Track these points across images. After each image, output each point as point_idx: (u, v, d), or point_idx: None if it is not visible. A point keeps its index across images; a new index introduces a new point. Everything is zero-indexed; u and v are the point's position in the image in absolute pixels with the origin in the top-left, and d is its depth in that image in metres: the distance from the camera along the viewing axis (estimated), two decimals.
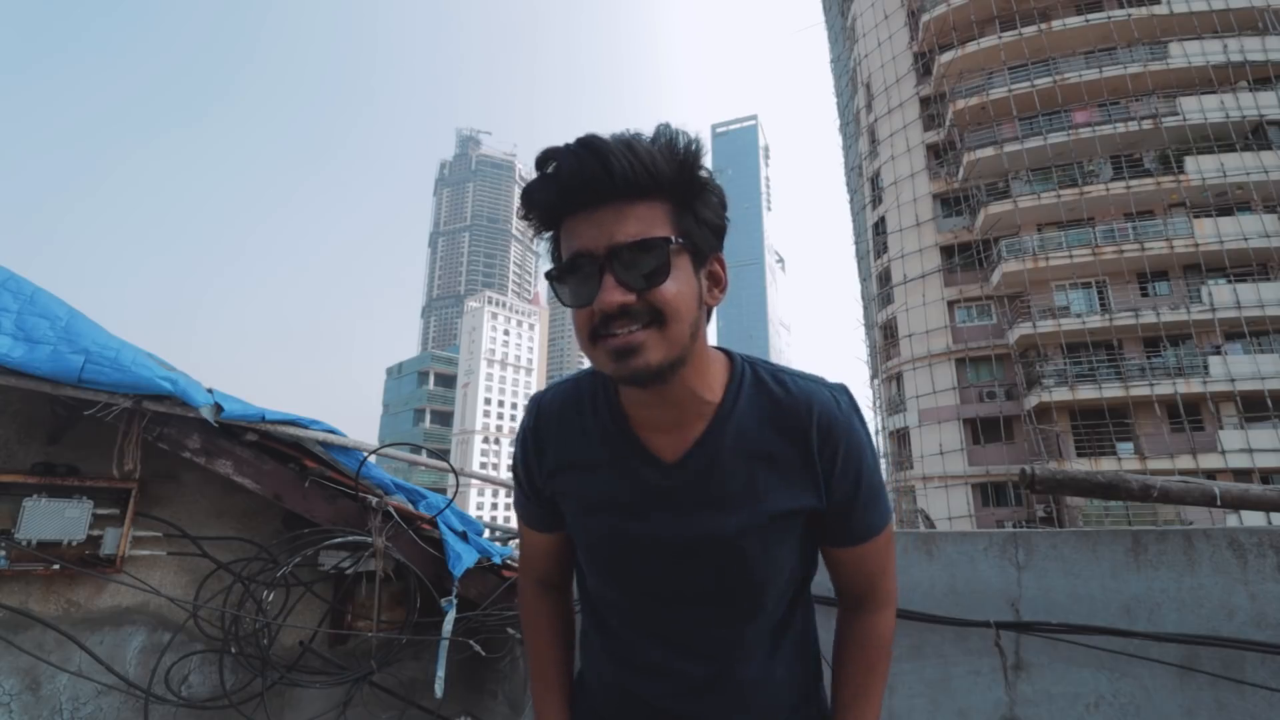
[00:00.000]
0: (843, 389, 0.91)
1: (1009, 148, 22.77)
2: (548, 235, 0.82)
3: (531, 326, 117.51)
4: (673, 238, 0.76)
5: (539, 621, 1.08)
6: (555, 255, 0.81)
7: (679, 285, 0.76)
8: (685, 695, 0.92)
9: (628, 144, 0.74)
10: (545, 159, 0.76)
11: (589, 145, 0.74)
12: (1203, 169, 20.97)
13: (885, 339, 26.32)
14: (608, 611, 0.99)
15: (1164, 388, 19.63)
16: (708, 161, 0.81)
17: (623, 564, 0.93)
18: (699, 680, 0.92)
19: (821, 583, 1.00)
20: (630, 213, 0.75)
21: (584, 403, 0.94)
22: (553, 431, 0.95)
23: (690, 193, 0.78)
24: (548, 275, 0.81)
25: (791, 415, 0.87)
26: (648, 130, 0.78)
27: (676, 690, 0.93)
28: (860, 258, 31.15)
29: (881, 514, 0.92)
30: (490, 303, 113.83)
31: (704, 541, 0.87)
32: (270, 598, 2.14)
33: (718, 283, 0.84)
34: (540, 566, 1.08)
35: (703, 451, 0.86)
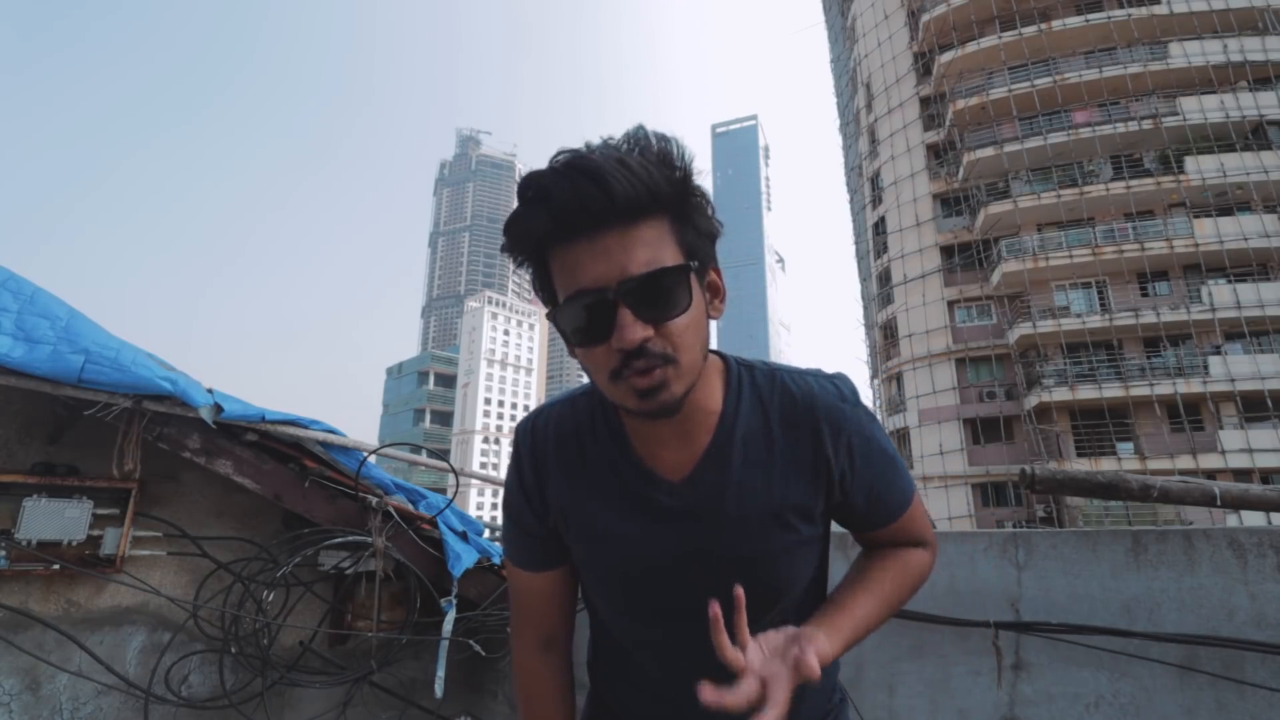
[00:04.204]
0: (842, 377, 0.88)
1: (1009, 148, 22.78)
2: (528, 270, 0.76)
3: (531, 326, 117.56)
4: (689, 264, 0.72)
5: (542, 690, 0.97)
6: (545, 287, 0.75)
7: (692, 314, 0.72)
8: None
9: (621, 161, 0.68)
10: (530, 185, 0.69)
11: (580, 167, 0.67)
12: (1203, 169, 20.97)
13: (885, 339, 26.33)
14: (625, 641, 0.94)
15: (1164, 388, 19.63)
16: (702, 163, 0.76)
17: (639, 595, 0.88)
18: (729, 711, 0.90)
19: None
20: (635, 237, 0.69)
21: (582, 425, 0.89)
22: (550, 456, 0.89)
23: (688, 204, 0.73)
24: (549, 316, 0.75)
25: (795, 413, 0.83)
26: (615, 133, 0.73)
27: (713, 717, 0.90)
28: (860, 258, 31.16)
29: (905, 486, 0.89)
30: (490, 303, 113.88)
31: (725, 560, 0.83)
32: (270, 598, 2.14)
33: (717, 293, 0.81)
34: (540, 619, 0.97)
35: (710, 465, 0.82)
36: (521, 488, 0.92)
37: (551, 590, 0.96)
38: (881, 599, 0.86)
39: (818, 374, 0.88)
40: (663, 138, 0.72)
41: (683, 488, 0.83)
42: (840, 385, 0.86)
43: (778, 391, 0.85)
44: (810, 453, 0.83)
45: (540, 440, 0.90)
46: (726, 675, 0.87)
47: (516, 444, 0.94)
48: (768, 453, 0.83)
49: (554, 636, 0.98)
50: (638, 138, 0.71)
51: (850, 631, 0.80)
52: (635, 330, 0.68)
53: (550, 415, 0.92)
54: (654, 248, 0.70)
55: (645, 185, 0.68)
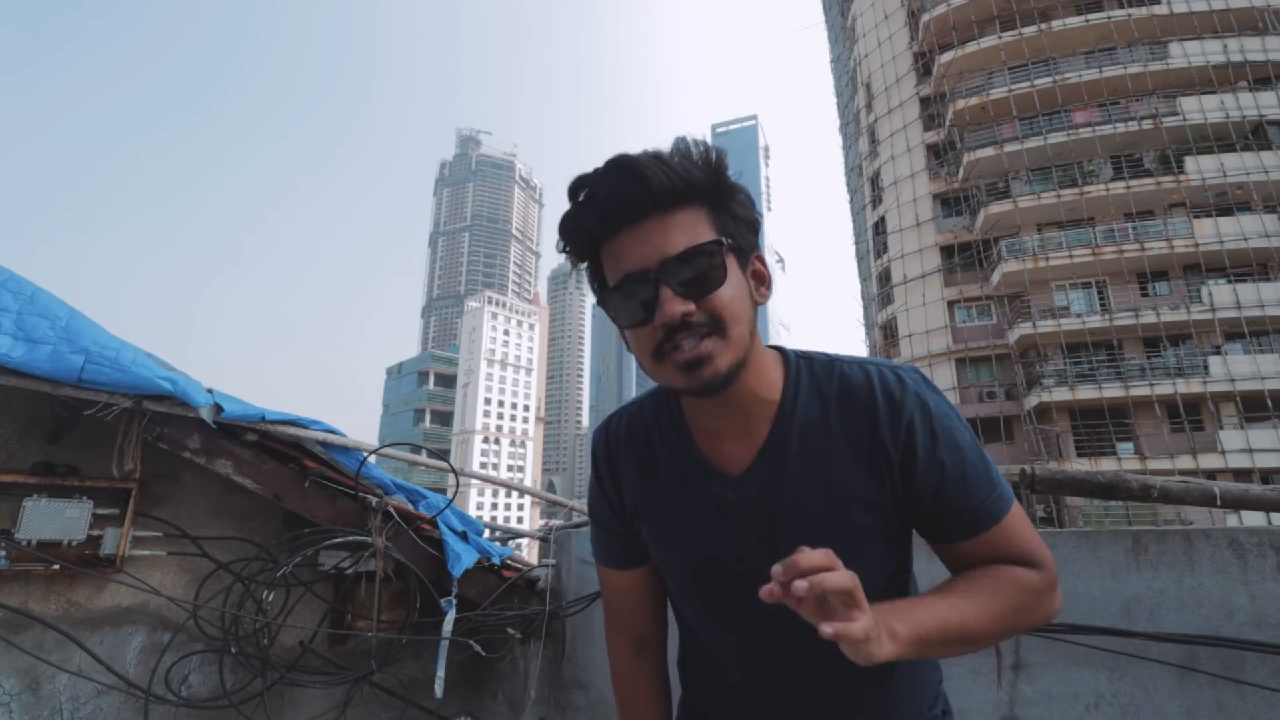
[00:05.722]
0: (908, 367, 0.85)
1: (1009, 148, 22.76)
2: (584, 265, 0.81)
3: (531, 326, 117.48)
4: (722, 239, 0.75)
5: (639, 689, 1.01)
6: (598, 281, 0.81)
7: (733, 288, 0.76)
8: None
9: (657, 156, 0.75)
10: (579, 186, 0.76)
11: (621, 165, 0.74)
12: (1203, 169, 20.95)
13: (885, 339, 26.31)
14: (705, 639, 0.95)
15: (1164, 388, 19.61)
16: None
17: (711, 594, 0.89)
18: (814, 713, 0.88)
19: None
20: (673, 222, 0.74)
21: (650, 425, 0.92)
22: (623, 456, 0.94)
23: (723, 193, 0.78)
24: (600, 302, 0.80)
25: (853, 400, 0.82)
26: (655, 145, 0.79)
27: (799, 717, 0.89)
28: (860, 258, 31.15)
29: (997, 496, 0.80)
30: (490, 303, 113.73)
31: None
32: (270, 598, 2.14)
33: (762, 280, 0.83)
34: (631, 619, 1.01)
35: (769, 457, 0.82)
36: (601, 488, 0.97)
37: (638, 588, 0.99)
38: (974, 602, 0.73)
39: (879, 362, 0.86)
40: (699, 142, 0.78)
41: (743, 480, 0.84)
42: (903, 373, 0.84)
43: (836, 380, 0.84)
44: (867, 440, 0.81)
45: (614, 442, 0.96)
46: (806, 674, 0.87)
47: (593, 449, 0.99)
48: (826, 442, 0.82)
49: (645, 637, 1.01)
50: (676, 143, 0.78)
51: (928, 620, 0.68)
52: (675, 305, 0.73)
53: (622, 417, 0.97)
54: (691, 231, 0.75)
55: (680, 176, 0.74)
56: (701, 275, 0.74)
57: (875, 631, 0.61)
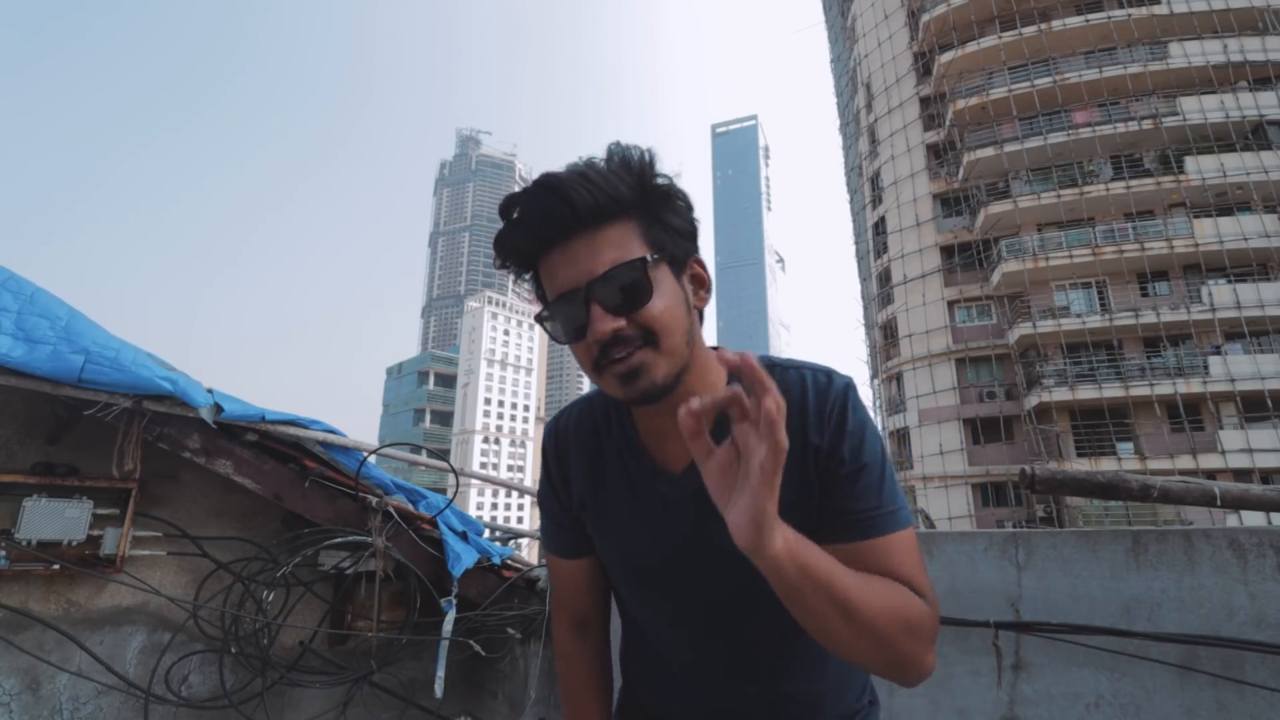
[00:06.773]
0: (842, 374, 0.87)
1: (1009, 148, 22.77)
2: (527, 277, 0.82)
3: (531, 326, 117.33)
4: (648, 255, 0.76)
5: (579, 669, 1.04)
6: (540, 295, 0.82)
7: (665, 299, 0.77)
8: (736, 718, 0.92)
9: (582, 174, 0.75)
10: (508, 206, 0.77)
11: (545, 185, 0.75)
12: (1203, 169, 20.96)
13: (885, 339, 26.32)
14: (646, 631, 0.98)
15: (1164, 388, 19.62)
16: (674, 166, 0.81)
17: (654, 588, 0.92)
18: (751, 703, 0.91)
19: None
20: (601, 240, 0.75)
21: (599, 422, 0.95)
22: (572, 452, 0.96)
23: (654, 205, 0.79)
24: (537, 318, 0.82)
25: (788, 400, 0.81)
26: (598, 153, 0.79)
27: (727, 714, 0.92)
28: (860, 258, 31.16)
29: (887, 513, 0.79)
30: (490, 303, 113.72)
31: (724, 550, 0.79)
32: (270, 598, 2.14)
33: (702, 284, 0.84)
34: (576, 601, 1.04)
35: None
36: (550, 482, 1.00)
37: (583, 575, 1.03)
38: (863, 581, 0.70)
39: (815, 366, 0.88)
40: (627, 148, 0.79)
41: (682, 478, 0.86)
42: (835, 376, 0.86)
43: (775, 382, 0.85)
44: (800, 439, 0.82)
45: (563, 437, 0.98)
46: (744, 666, 0.90)
47: (544, 443, 1.02)
48: None
49: (587, 619, 1.05)
50: (610, 151, 0.79)
51: (820, 558, 0.66)
52: (605, 323, 0.74)
53: (572, 414, 0.99)
54: (620, 248, 0.76)
55: (605, 193, 0.75)
56: (630, 291, 0.75)
57: (770, 520, 0.62)
